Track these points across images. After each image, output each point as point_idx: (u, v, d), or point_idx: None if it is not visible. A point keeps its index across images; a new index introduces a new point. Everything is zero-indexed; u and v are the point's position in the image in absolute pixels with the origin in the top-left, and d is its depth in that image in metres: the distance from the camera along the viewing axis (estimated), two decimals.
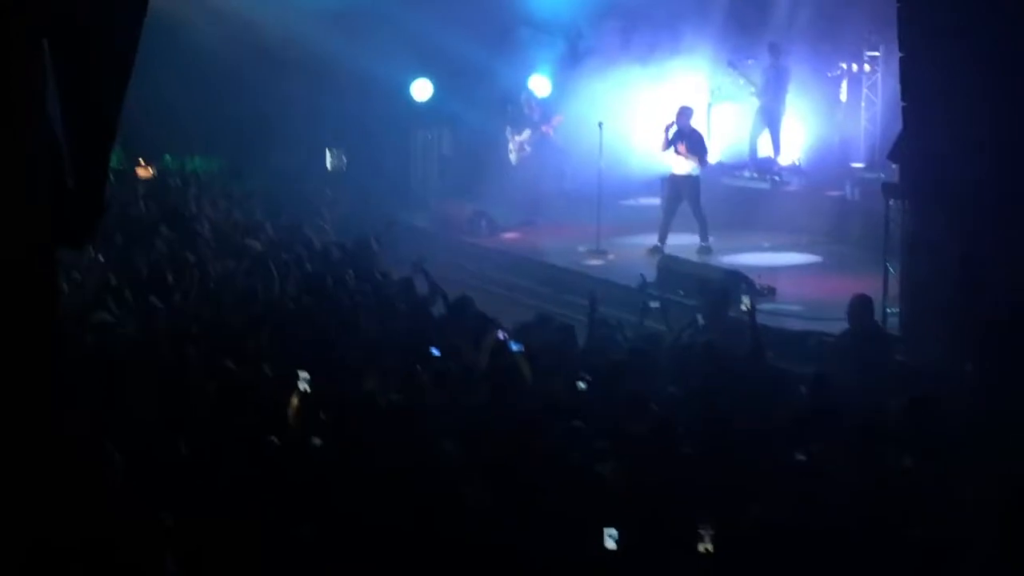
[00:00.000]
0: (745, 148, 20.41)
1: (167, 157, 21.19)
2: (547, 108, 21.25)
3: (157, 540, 6.41)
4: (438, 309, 12.63)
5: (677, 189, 17.95)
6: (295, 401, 8.68)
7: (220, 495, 7.11)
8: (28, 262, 5.70)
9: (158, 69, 16.31)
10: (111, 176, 16.27)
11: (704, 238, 17.76)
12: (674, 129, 17.84)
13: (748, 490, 7.26)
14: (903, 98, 12.36)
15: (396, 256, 15.85)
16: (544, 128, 20.91)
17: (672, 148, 17.81)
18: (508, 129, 21.08)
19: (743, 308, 11.62)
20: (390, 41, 20.92)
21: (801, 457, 7.77)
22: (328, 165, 22.33)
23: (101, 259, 13.49)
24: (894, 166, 13.71)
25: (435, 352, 10.24)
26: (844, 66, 20.12)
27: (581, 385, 9.52)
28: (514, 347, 10.25)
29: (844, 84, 20.20)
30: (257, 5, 20.45)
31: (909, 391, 9.13)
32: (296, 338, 10.70)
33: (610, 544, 6.56)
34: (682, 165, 17.89)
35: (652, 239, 17.95)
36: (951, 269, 11.59)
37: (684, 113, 18.05)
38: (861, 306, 11.63)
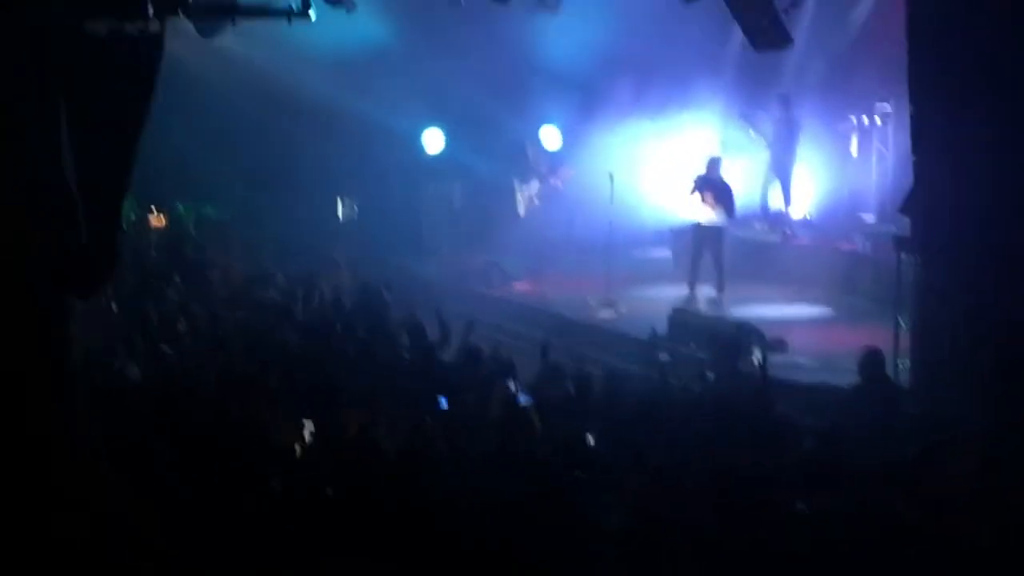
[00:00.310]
0: (756, 200, 20.43)
1: (179, 205, 21.26)
2: (556, 160, 21.30)
3: None
4: (449, 354, 12.66)
5: (701, 238, 18.02)
6: (299, 448, 8.69)
7: (225, 541, 7.10)
8: (41, 311, 5.75)
9: (170, 117, 16.36)
10: (123, 225, 16.37)
11: (719, 289, 17.79)
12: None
13: (751, 539, 7.24)
14: (913, 151, 12.37)
15: (407, 305, 15.88)
16: (553, 181, 20.93)
17: (699, 195, 17.89)
18: (516, 181, 21.11)
19: (755, 361, 11.60)
20: (402, 91, 21.03)
21: (801, 507, 7.75)
22: (339, 214, 22.41)
23: (114, 308, 13.53)
24: (905, 219, 13.72)
25: (443, 402, 10.24)
26: (854, 119, 20.17)
27: (590, 439, 9.50)
28: (523, 399, 10.25)
29: (854, 137, 20.23)
30: (270, 54, 20.56)
31: (920, 443, 9.09)
32: (304, 384, 10.71)
33: None
34: (708, 215, 17.97)
35: (663, 290, 18.02)
36: (962, 321, 11.57)
37: (713, 164, 18.16)
38: (872, 359, 11.61)
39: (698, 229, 18.06)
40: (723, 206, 17.89)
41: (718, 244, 17.89)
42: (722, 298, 17.68)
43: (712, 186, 17.95)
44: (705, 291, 17.88)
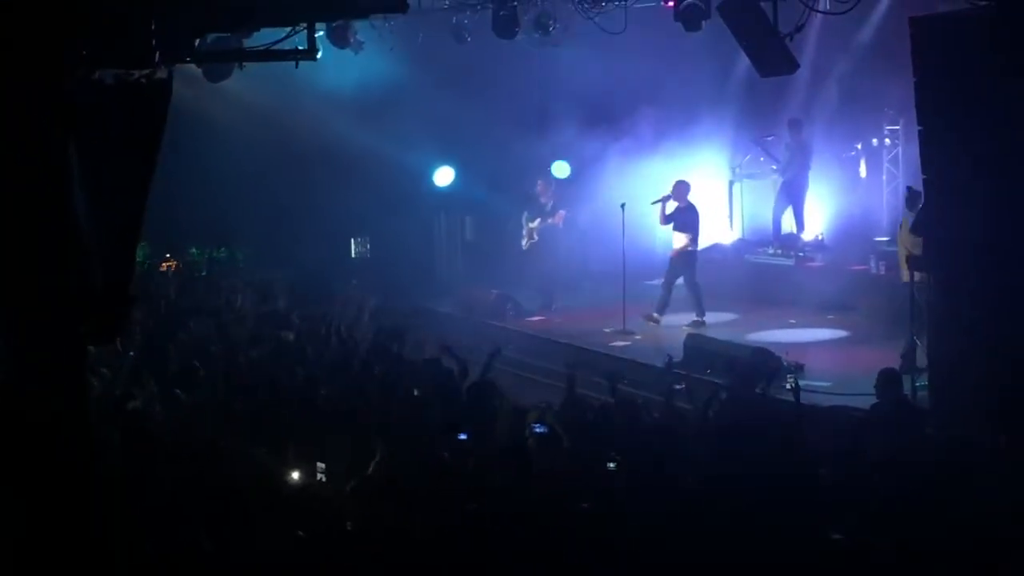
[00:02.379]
0: (768, 225, 20.45)
1: (193, 250, 21.32)
2: (564, 193, 21.18)
3: None
4: (467, 383, 12.64)
5: (674, 265, 18.18)
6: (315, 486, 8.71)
7: None
8: (58, 359, 5.77)
9: (180, 162, 16.47)
10: (137, 271, 16.42)
11: (699, 313, 17.93)
12: (672, 204, 18.05)
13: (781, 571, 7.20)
14: (923, 171, 12.36)
15: (423, 342, 15.88)
16: (552, 220, 20.71)
17: (671, 224, 18.06)
18: (525, 215, 21.04)
19: (788, 387, 11.63)
20: (412, 128, 21.08)
21: (837, 536, 7.70)
22: (353, 253, 22.46)
23: (130, 353, 13.52)
24: (917, 239, 13.70)
25: (462, 436, 10.22)
26: (859, 145, 20.22)
27: (611, 465, 9.48)
28: (538, 429, 10.24)
29: (863, 159, 20.27)
30: (280, 96, 20.67)
31: (940, 464, 9.05)
32: (322, 425, 10.69)
33: None
34: (678, 240, 18.13)
35: (677, 318, 18.02)
36: (978, 340, 11.53)
37: (679, 187, 18.26)
38: (889, 380, 11.58)
39: (673, 255, 18.32)
40: (687, 232, 18.04)
41: (688, 270, 18.10)
42: (703, 321, 17.80)
43: (678, 211, 18.10)
44: (719, 318, 17.90)
